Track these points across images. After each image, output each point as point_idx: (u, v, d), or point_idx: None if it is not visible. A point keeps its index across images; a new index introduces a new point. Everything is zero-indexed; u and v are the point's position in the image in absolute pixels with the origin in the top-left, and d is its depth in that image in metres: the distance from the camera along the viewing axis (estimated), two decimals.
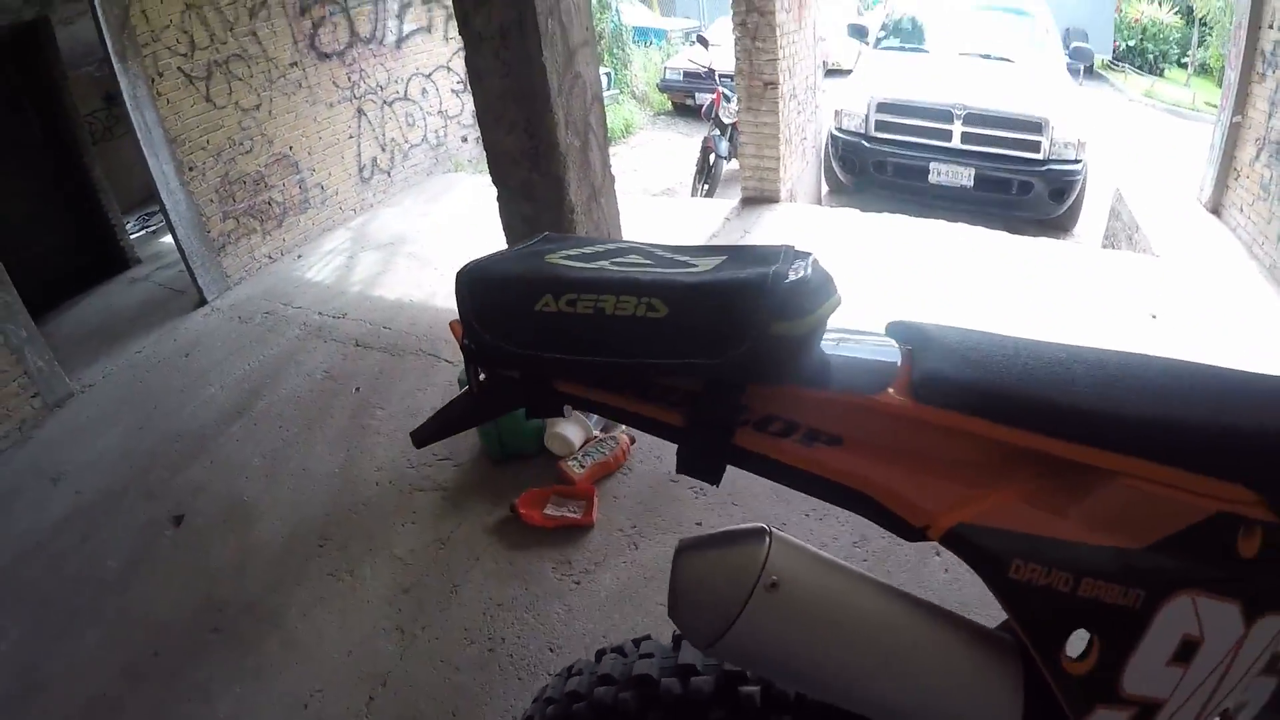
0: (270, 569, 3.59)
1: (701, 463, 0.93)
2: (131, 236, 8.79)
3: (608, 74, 13.12)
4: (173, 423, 5.04)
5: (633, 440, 3.77)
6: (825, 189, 7.64)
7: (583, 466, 3.61)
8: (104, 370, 5.98)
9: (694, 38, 10.52)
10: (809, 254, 0.95)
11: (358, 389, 4.90)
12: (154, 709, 3.04)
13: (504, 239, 3.64)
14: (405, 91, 8.64)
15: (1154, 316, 4.58)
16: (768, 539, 0.95)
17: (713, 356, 0.85)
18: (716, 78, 8.56)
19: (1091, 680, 0.91)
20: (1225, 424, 0.89)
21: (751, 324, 0.83)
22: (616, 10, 15.16)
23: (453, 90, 9.05)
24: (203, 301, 6.76)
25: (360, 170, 8.31)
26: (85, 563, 3.95)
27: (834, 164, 7.49)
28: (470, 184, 8.39)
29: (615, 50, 14.45)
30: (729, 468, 0.94)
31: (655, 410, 0.94)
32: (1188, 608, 0.88)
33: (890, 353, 0.98)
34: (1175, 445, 0.87)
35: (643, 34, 16.24)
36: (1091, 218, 7.37)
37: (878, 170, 7.12)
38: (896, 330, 1.01)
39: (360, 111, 8.19)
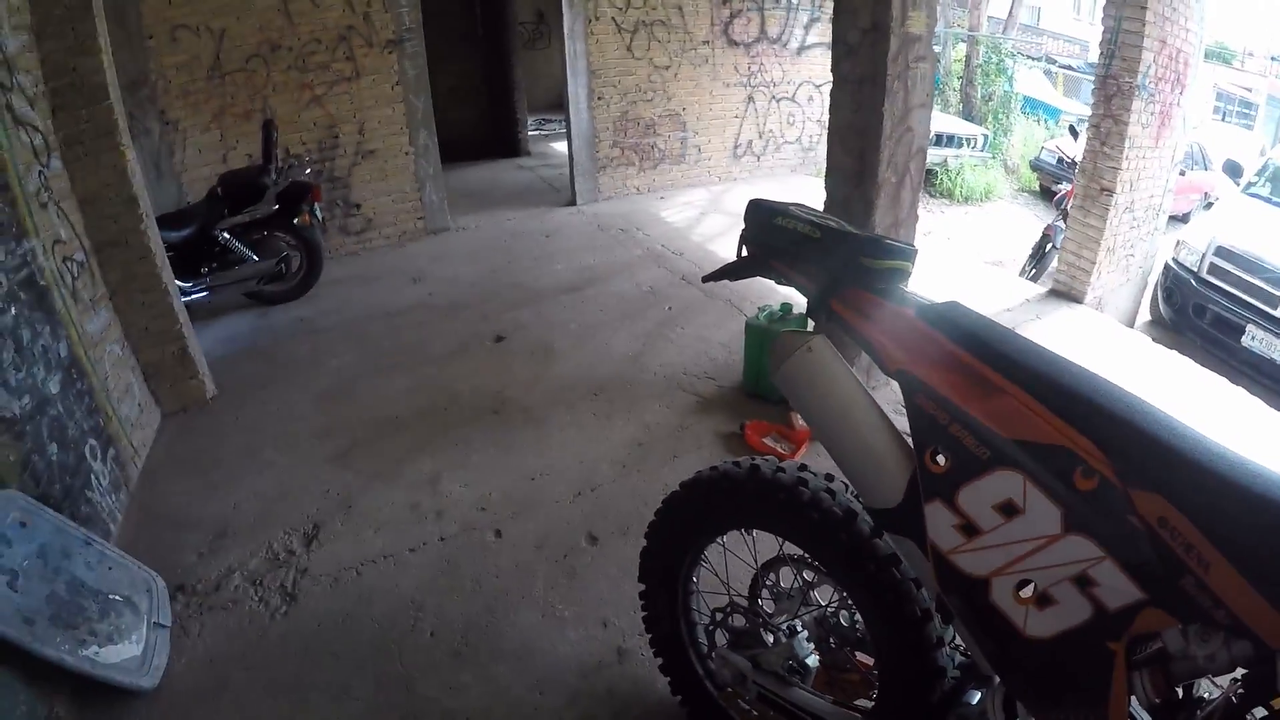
0: (551, 392, 4.38)
1: (815, 311, 1.69)
2: (529, 133, 10.36)
3: (985, 135, 12.68)
4: (519, 277, 6.12)
5: None
6: (1147, 316, 7.22)
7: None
8: (477, 223, 7.32)
9: (1070, 126, 10.17)
10: (916, 249, 1.67)
11: (670, 308, 5.59)
12: (429, 438, 3.94)
13: None
14: (794, 94, 9.36)
15: None
16: (818, 336, 1.68)
17: (829, 262, 1.66)
18: (1077, 171, 8.36)
19: (940, 480, 1.41)
20: (1094, 396, 1.25)
21: (848, 253, 1.63)
22: (1011, 77, 14.61)
23: (829, 110, 9.46)
24: (573, 202, 8.04)
25: (735, 147, 9.17)
26: (417, 339, 5.05)
27: (1159, 293, 7.07)
28: (820, 190, 8.82)
29: (1000, 116, 13.98)
30: None
31: (804, 281, 1.73)
32: (1018, 482, 1.29)
33: (928, 299, 1.59)
34: (1051, 393, 1.28)
35: (1034, 106, 15.55)
36: None
37: (1197, 314, 6.48)
38: (951, 301, 1.58)
39: (751, 99, 9.04)
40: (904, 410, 1.48)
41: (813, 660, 1.89)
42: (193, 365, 4.13)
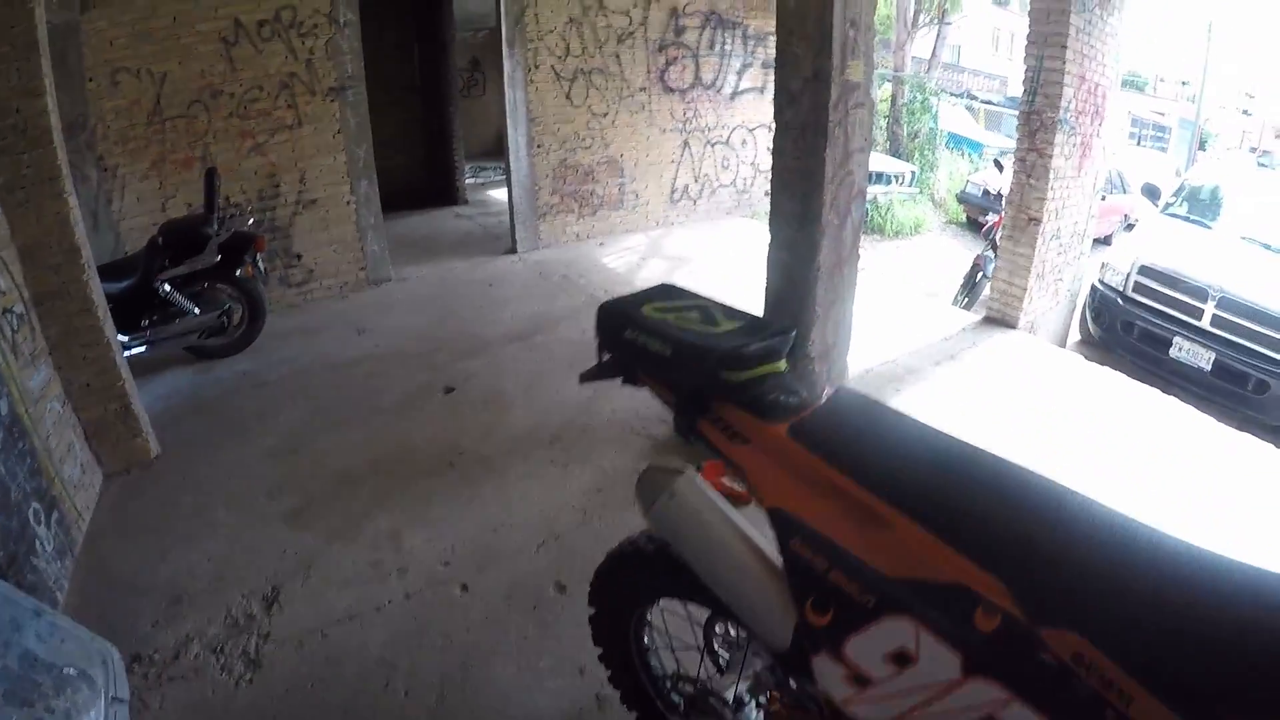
0: (507, 442, 4.34)
1: (681, 431, 1.64)
2: (466, 180, 10.41)
3: (913, 171, 13.25)
4: (465, 326, 6.09)
5: None
6: (1077, 336, 7.52)
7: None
8: (419, 273, 7.27)
9: (994, 159, 10.57)
10: (790, 331, 1.60)
11: None
12: (386, 493, 3.86)
13: (764, 274, 4.34)
14: (728, 138, 9.58)
15: None
16: (682, 475, 1.66)
17: (686, 381, 1.59)
18: (1002, 203, 8.70)
19: (823, 633, 1.33)
20: (992, 522, 1.14)
21: (705, 371, 1.51)
22: (935, 114, 15.19)
23: (769, 148, 9.68)
24: (513, 250, 8.07)
25: (672, 192, 9.32)
26: (366, 391, 4.97)
27: (1087, 313, 7.36)
28: (756, 231, 8.94)
29: (926, 152, 14.49)
30: None
31: (667, 395, 1.67)
32: (909, 630, 1.19)
33: (808, 403, 1.52)
34: (944, 522, 1.17)
35: (958, 142, 16.11)
36: None
37: (1124, 330, 6.81)
38: (839, 392, 1.55)
39: (686, 144, 9.23)
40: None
41: None
42: (136, 423, 3.98)
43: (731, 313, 1.70)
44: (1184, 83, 23.12)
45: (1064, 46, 5.53)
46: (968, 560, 1.13)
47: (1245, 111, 24.30)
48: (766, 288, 4.34)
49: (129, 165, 5.61)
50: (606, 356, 1.78)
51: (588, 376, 1.84)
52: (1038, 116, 5.83)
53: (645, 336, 1.60)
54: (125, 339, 4.67)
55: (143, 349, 4.84)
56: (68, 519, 3.35)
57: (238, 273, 5.23)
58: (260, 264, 5.41)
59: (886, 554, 1.22)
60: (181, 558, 3.36)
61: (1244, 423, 5.31)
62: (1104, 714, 1.00)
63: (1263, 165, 12.56)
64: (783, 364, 1.56)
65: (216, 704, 2.65)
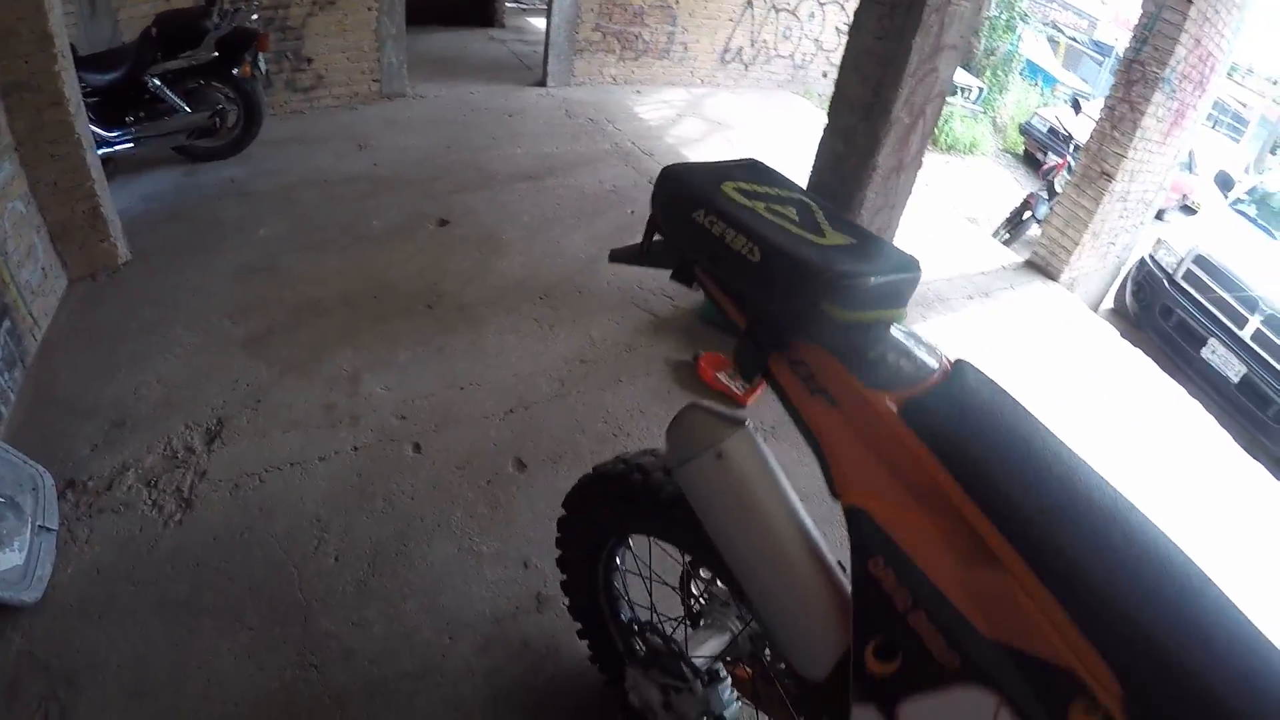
0: (493, 291, 4.02)
1: (743, 363, 1.22)
2: (506, 4, 9.60)
3: (981, 88, 12.52)
4: (473, 156, 5.64)
5: None
6: (1110, 304, 7.16)
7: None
8: (437, 92, 6.73)
9: (1072, 98, 9.86)
10: (919, 270, 1.17)
11: (632, 211, 5.22)
12: (353, 329, 3.59)
13: (809, 161, 3.82)
14: (795, 7, 8.75)
15: None
16: (738, 429, 1.25)
17: (771, 301, 1.12)
18: (1071, 147, 8.11)
19: (879, 685, 1.03)
20: (1127, 605, 0.87)
21: (802, 296, 1.07)
22: (1018, 36, 14.10)
23: (837, 27, 8.99)
24: (543, 83, 7.43)
25: (724, 52, 8.57)
26: (355, 213, 4.60)
27: (1129, 286, 7.01)
28: (808, 111, 8.44)
29: (1000, 73, 13.58)
30: None
31: (736, 314, 1.23)
32: (990, 707, 0.92)
33: (926, 372, 1.12)
34: (1072, 586, 0.89)
35: (1033, 71, 15.20)
36: None
37: (1163, 315, 6.44)
38: (962, 368, 1.14)
39: (749, 3, 8.41)
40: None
41: (733, 712, 1.55)
42: (104, 227, 3.64)
43: (840, 221, 1.24)
44: (1275, 81, 21.57)
45: (1189, 1, 4.94)
46: (1087, 641, 0.85)
47: None
48: (811, 177, 3.83)
49: None
50: (658, 238, 1.32)
51: (621, 256, 1.41)
52: (1140, 68, 5.30)
53: (724, 227, 1.15)
54: (110, 134, 4.31)
55: (128, 145, 4.44)
56: (20, 327, 3.08)
57: (235, 71, 4.76)
58: (261, 64, 4.94)
59: (990, 606, 0.94)
60: (132, 377, 3.12)
61: (1252, 445, 5.01)
62: None
63: None
64: (903, 313, 1.15)
65: (142, 544, 2.45)
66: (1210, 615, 0.88)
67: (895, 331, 1.16)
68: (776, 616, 1.23)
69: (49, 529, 2.43)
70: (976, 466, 0.98)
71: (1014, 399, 1.11)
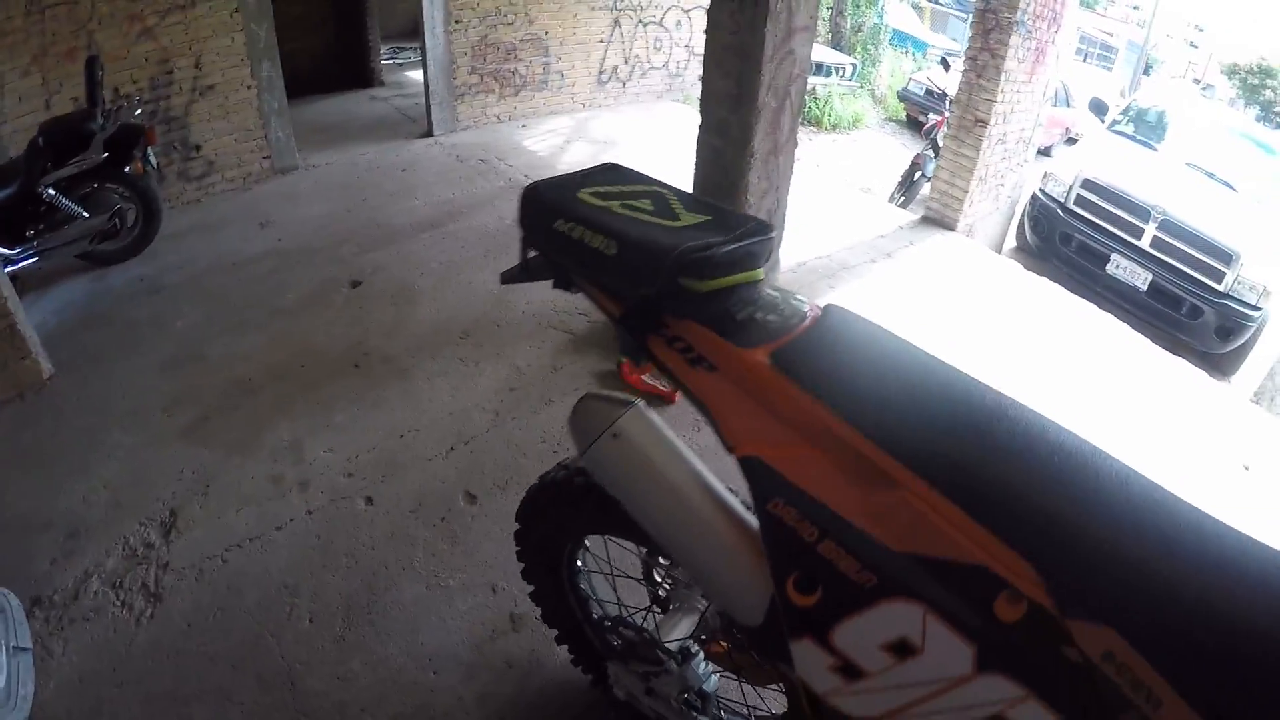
0: (414, 340, 4.11)
1: (626, 347, 1.33)
2: (382, 62, 9.60)
3: (854, 64, 12.74)
4: (374, 215, 5.70)
5: None
6: (1013, 243, 7.46)
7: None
8: (328, 159, 6.75)
9: (941, 58, 10.25)
10: (770, 231, 1.25)
11: None
12: (287, 401, 3.63)
13: (692, 161, 4.01)
14: (661, 19, 8.95)
15: (1246, 468, 3.98)
16: (629, 409, 1.35)
17: (635, 289, 1.22)
18: (947, 103, 8.47)
19: (809, 616, 1.08)
20: (1024, 493, 0.91)
21: (660, 277, 1.15)
22: (882, 9, 14.55)
23: (705, 30, 9.20)
24: (429, 133, 7.51)
25: (600, 73, 8.74)
26: (268, 290, 4.63)
27: (1026, 222, 7.32)
28: (688, 116, 8.54)
29: (870, 46, 13.94)
30: None
31: (610, 305, 1.32)
32: (916, 616, 0.97)
33: (796, 322, 1.19)
34: (965, 488, 0.94)
35: (902, 39, 15.65)
36: (1260, 373, 6.63)
37: (1063, 242, 6.87)
38: (829, 311, 1.21)
39: (616, 22, 8.59)
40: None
41: (712, 684, 1.66)
42: (23, 344, 3.62)
43: (694, 202, 1.34)
44: (1135, 7, 22.62)
45: None
46: (992, 536, 0.91)
47: (1192, 44, 24.03)
48: (696, 174, 4.01)
49: (7, 62, 4.91)
50: (533, 254, 1.40)
51: (509, 278, 1.47)
52: (994, 15, 5.55)
53: (582, 229, 1.23)
54: (13, 252, 4.25)
55: (33, 261, 4.40)
56: None
57: (127, 169, 4.73)
58: (152, 159, 4.91)
59: (892, 523, 0.98)
60: (77, 487, 3.12)
61: (1175, 346, 5.34)
62: (1124, 715, 0.85)
63: (1205, 97, 12.40)
64: (760, 272, 1.22)
65: (119, 644, 2.49)
66: (1110, 485, 0.93)
67: (765, 290, 1.24)
68: (704, 573, 1.30)
69: (24, 649, 2.44)
70: (852, 396, 1.05)
71: (884, 329, 1.18)
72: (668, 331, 1.23)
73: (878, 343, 1.16)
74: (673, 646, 1.58)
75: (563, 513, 1.71)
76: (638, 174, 1.49)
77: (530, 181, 1.40)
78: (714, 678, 1.66)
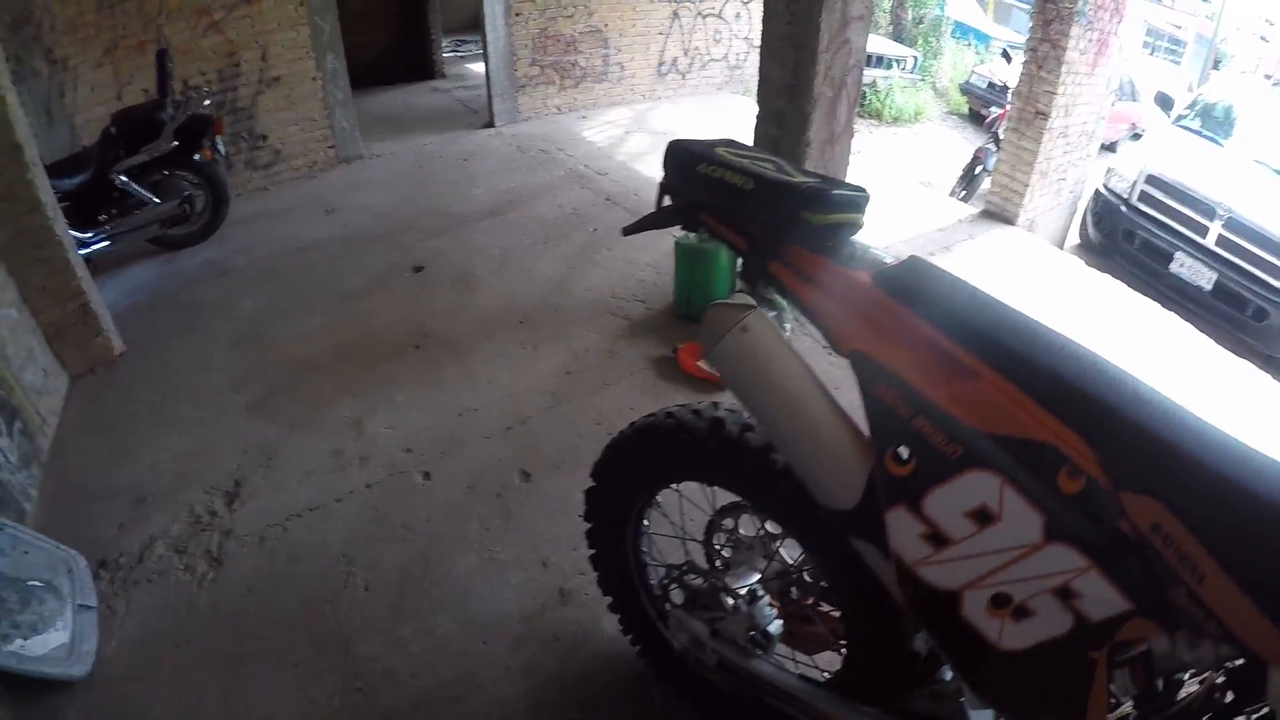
0: (474, 323, 4.13)
1: (750, 273, 1.49)
2: (444, 54, 9.76)
3: (915, 57, 12.51)
4: (435, 203, 5.77)
5: None
6: (1075, 239, 7.25)
7: None
8: (392, 149, 6.86)
9: (1003, 50, 10.01)
10: (867, 193, 1.43)
11: (594, 230, 5.33)
12: (349, 379, 3.68)
13: None
14: (720, 10, 8.93)
15: None
16: (755, 310, 1.47)
17: (768, 216, 1.41)
18: (1008, 96, 8.29)
19: (903, 484, 1.21)
20: (1079, 384, 1.06)
21: (787, 207, 1.37)
22: (943, 2, 14.21)
23: (761, 21, 9.15)
24: (490, 124, 7.59)
25: (660, 65, 8.75)
26: (332, 274, 4.71)
27: (1088, 218, 7.07)
28: (750, 108, 8.55)
29: (930, 39, 13.63)
30: None
31: (737, 239, 1.50)
32: (994, 486, 1.10)
33: (886, 260, 1.37)
34: (1034, 379, 1.09)
35: (964, 31, 15.12)
36: None
37: (1125, 239, 6.57)
38: (914, 257, 1.38)
39: (675, 15, 8.58)
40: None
41: (776, 627, 1.71)
42: (96, 322, 3.74)
43: (804, 170, 1.52)
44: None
45: None
46: (1055, 419, 1.06)
47: (1263, 38, 23.16)
48: None
49: (80, 55, 5.10)
50: (667, 201, 1.61)
51: (634, 228, 1.68)
52: (1054, 5, 5.39)
53: (723, 170, 1.45)
54: (86, 236, 4.38)
55: (106, 244, 4.54)
56: (31, 427, 3.16)
57: (196, 157, 4.86)
58: (220, 147, 5.04)
59: (972, 406, 1.13)
60: (146, 456, 3.20)
61: (1239, 348, 5.08)
62: (1173, 589, 0.97)
63: (1275, 92, 11.86)
64: (861, 218, 1.42)
65: (180, 605, 2.53)
66: (1150, 392, 1.06)
67: (856, 241, 1.43)
68: (807, 458, 1.41)
69: (89, 607, 2.50)
70: (938, 307, 1.22)
71: (959, 277, 1.33)
72: (785, 257, 1.42)
73: (954, 279, 1.32)
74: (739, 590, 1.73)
75: (646, 458, 1.79)
76: (755, 147, 1.72)
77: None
78: (779, 622, 1.72)
